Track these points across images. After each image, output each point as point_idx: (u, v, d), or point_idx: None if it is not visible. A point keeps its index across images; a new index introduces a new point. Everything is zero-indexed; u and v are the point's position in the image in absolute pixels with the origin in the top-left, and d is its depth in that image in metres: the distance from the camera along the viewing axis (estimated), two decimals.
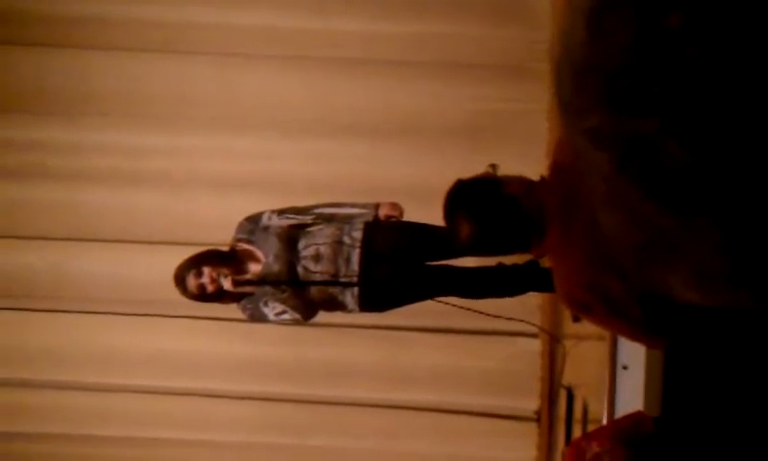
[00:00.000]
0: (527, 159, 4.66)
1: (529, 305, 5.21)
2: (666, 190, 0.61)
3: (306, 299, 4.52)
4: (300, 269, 4.48)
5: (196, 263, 4.43)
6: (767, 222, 0.59)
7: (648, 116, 0.59)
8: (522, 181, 2.62)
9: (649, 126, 0.59)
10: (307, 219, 4.63)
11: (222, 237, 4.74)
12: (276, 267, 4.48)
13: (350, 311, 4.59)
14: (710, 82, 0.57)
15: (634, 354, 3.39)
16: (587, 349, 4.45)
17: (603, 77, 0.61)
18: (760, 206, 0.59)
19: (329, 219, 4.61)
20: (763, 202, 0.59)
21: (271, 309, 4.49)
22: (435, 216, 3.58)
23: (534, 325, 5.34)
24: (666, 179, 0.60)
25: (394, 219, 4.62)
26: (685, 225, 0.62)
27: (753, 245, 0.61)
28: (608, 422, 3.51)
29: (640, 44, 0.59)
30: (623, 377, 3.58)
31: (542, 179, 2.51)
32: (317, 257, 4.47)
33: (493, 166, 3.04)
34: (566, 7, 0.66)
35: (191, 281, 4.40)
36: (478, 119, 5.65)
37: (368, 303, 4.54)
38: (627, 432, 2.17)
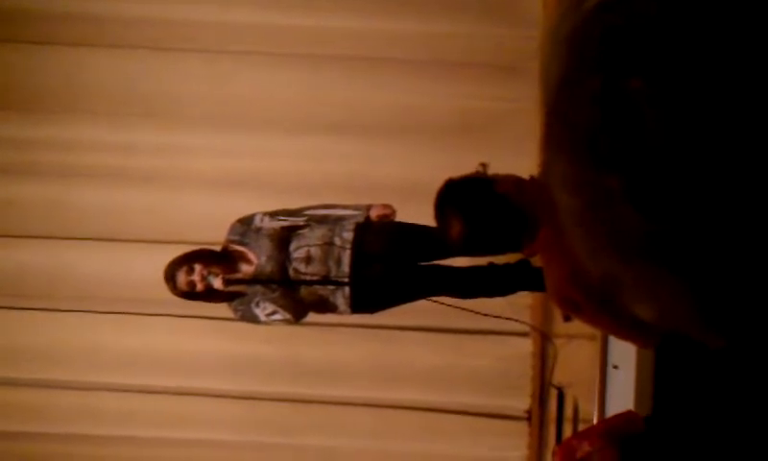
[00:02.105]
0: (519, 158, 4.67)
1: (520, 305, 5.21)
2: (624, 247, 0.62)
3: (297, 299, 4.51)
4: (291, 271, 4.46)
5: (187, 260, 4.42)
6: (728, 286, 0.61)
7: (610, 173, 0.60)
8: (513, 180, 2.62)
9: (612, 182, 0.60)
10: (299, 221, 4.61)
11: (214, 236, 4.72)
12: (267, 268, 4.46)
13: (342, 313, 4.58)
14: (669, 150, 0.58)
15: (624, 354, 3.38)
16: (577, 348, 4.45)
17: (569, 127, 0.62)
18: (719, 270, 0.60)
19: (321, 221, 4.59)
20: (722, 270, 0.60)
21: (262, 310, 4.48)
22: (427, 214, 3.58)
23: (525, 323, 5.34)
24: (624, 238, 0.62)
25: (386, 220, 4.61)
26: (641, 276, 0.64)
27: (718, 303, 0.62)
28: (598, 421, 3.51)
29: (603, 104, 0.60)
30: (614, 377, 3.57)
31: (533, 177, 2.51)
32: (308, 259, 4.46)
33: (484, 165, 3.04)
34: (548, 39, 0.66)
35: (181, 278, 4.38)
36: (470, 117, 5.64)
37: (359, 305, 4.53)
38: (618, 431, 2.16)
